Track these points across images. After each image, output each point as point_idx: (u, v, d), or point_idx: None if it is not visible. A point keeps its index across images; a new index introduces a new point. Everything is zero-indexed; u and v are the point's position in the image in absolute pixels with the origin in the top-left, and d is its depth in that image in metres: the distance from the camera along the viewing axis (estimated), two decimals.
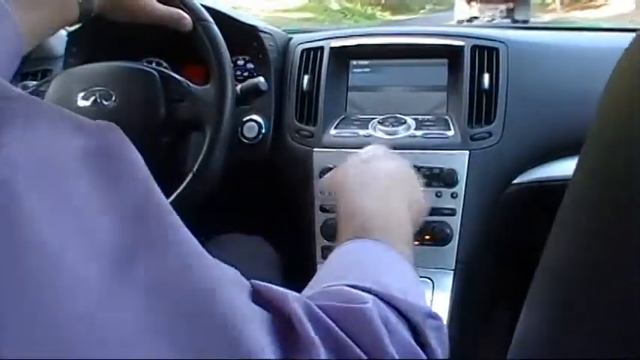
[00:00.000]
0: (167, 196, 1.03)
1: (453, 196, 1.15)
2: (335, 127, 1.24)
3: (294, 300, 0.47)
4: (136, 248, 0.38)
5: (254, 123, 1.25)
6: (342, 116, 1.27)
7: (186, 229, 0.43)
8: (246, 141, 1.25)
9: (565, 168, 1.16)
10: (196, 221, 1.13)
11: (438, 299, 1.12)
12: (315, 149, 1.22)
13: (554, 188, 1.17)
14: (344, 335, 0.47)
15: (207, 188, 1.03)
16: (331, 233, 1.18)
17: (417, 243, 1.15)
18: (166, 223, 0.42)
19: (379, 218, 0.72)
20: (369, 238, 0.68)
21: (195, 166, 1.02)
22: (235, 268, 1.17)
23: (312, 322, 0.46)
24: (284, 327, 0.45)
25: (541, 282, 0.65)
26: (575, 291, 0.60)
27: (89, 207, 0.38)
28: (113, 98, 1.04)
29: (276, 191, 1.30)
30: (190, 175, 1.02)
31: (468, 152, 1.16)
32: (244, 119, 1.26)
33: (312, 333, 0.45)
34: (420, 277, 1.13)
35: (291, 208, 1.26)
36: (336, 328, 0.47)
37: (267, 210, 1.42)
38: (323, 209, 1.20)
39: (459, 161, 1.16)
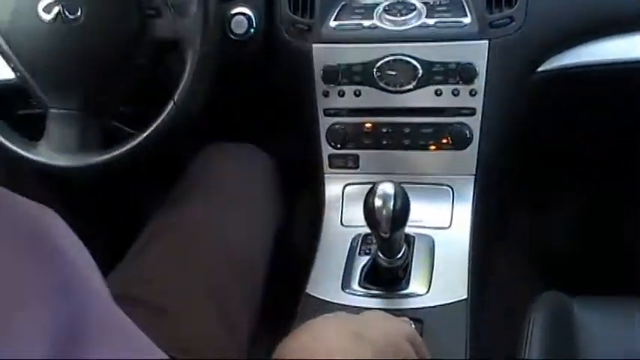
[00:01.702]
0: (146, 126, 0.94)
1: (472, 93, 1.03)
2: (335, 19, 1.09)
3: None
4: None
5: (242, 17, 1.10)
6: (342, 3, 1.11)
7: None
8: (235, 38, 1.11)
9: (593, 52, 1.05)
10: (183, 134, 1.04)
11: (458, 210, 1.03)
12: (314, 45, 1.08)
13: (582, 74, 1.06)
14: None
15: (190, 118, 0.93)
16: (339, 140, 1.08)
17: (434, 148, 1.05)
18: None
19: None
20: None
21: (176, 94, 0.90)
22: (230, 180, 1.08)
23: None
24: None
25: None
26: None
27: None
28: (79, 12, 0.91)
29: (273, 95, 1.17)
30: (171, 104, 0.91)
31: (487, 42, 1.02)
32: (231, 12, 1.11)
33: None
34: (439, 184, 1.05)
35: (290, 114, 1.14)
36: None
37: (264, 117, 1.30)
38: (327, 113, 1.09)
39: (477, 53, 1.02)
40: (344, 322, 0.67)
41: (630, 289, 0.95)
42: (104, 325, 0.36)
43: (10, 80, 1.03)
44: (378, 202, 0.81)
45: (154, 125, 0.94)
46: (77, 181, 1.15)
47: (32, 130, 1.04)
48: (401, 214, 0.81)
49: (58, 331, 0.34)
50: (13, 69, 1.00)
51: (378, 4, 1.08)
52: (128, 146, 0.97)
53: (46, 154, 1.01)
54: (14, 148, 1.02)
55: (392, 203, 0.80)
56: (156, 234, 0.99)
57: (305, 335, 0.64)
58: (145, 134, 0.96)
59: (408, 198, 0.82)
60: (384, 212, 0.81)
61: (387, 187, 0.82)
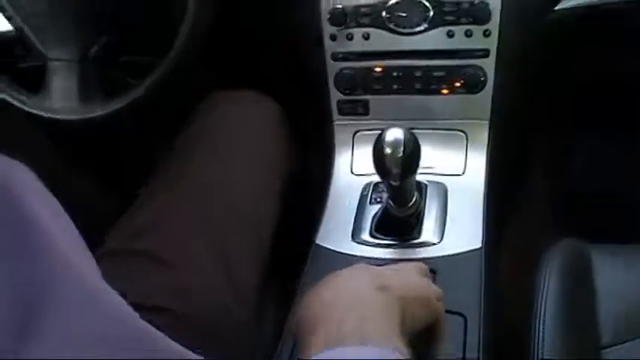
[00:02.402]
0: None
1: (486, 34, 0.98)
2: None
3: None
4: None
5: None
6: None
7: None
8: None
9: None
10: (185, 82, 1.01)
11: (472, 156, 0.99)
12: None
13: (605, 12, 1.01)
14: None
15: (191, 65, 0.90)
16: (348, 85, 1.04)
17: (447, 92, 1.01)
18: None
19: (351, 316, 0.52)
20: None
21: (178, 38, 0.89)
22: (237, 128, 1.04)
23: None
24: None
25: None
26: None
27: None
28: None
29: (276, 40, 1.13)
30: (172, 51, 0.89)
31: None
32: None
33: None
34: (452, 129, 1.01)
35: (297, 60, 1.10)
36: None
37: (267, 63, 1.25)
38: (335, 57, 1.04)
39: None
40: (370, 274, 0.63)
41: None
42: (62, 293, 0.33)
43: (7, 32, 1.00)
44: (387, 149, 0.77)
45: (155, 74, 0.91)
46: (82, 134, 1.13)
47: (35, 83, 1.01)
48: (411, 160, 0.78)
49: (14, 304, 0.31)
50: (9, 19, 0.97)
51: None
52: (131, 96, 0.94)
53: (47, 107, 0.99)
54: (16, 103, 1.00)
55: (402, 149, 0.77)
56: (160, 186, 0.97)
57: (328, 290, 0.60)
58: (146, 83, 0.93)
59: (418, 143, 0.78)
60: (394, 159, 0.77)
61: (396, 133, 0.78)
